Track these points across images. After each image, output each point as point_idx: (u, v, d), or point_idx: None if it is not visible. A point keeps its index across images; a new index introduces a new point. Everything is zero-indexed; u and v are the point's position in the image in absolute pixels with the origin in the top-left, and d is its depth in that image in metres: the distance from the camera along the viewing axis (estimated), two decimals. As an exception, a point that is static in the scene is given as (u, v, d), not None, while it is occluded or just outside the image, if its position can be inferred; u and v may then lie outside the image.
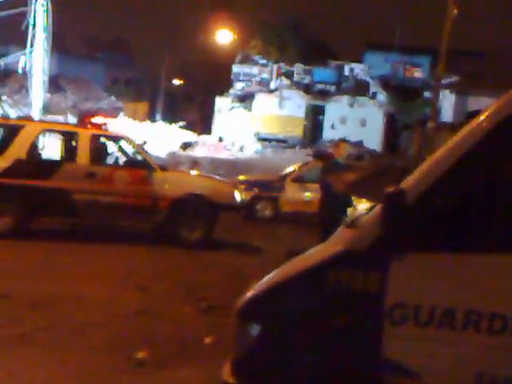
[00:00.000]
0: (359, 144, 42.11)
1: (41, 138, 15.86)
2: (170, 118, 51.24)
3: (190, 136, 44.00)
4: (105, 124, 15.88)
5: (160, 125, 45.75)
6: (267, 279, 4.67)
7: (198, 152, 38.90)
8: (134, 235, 14.76)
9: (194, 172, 19.63)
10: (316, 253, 4.68)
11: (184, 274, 11.68)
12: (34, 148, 14.60)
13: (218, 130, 47.33)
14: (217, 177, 17.52)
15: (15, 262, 11.31)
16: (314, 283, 4.41)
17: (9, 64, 43.53)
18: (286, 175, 21.26)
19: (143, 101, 55.64)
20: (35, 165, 14.17)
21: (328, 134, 45.82)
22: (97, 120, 16.66)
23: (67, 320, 8.34)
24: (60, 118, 38.92)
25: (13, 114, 39.54)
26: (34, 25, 40.79)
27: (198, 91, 63.09)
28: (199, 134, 46.30)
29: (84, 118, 20.73)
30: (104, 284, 10.32)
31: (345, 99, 47.94)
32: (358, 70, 49.52)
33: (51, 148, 17.44)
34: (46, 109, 40.86)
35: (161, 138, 39.62)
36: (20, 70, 42.78)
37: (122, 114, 44.62)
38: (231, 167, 32.10)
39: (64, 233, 14.57)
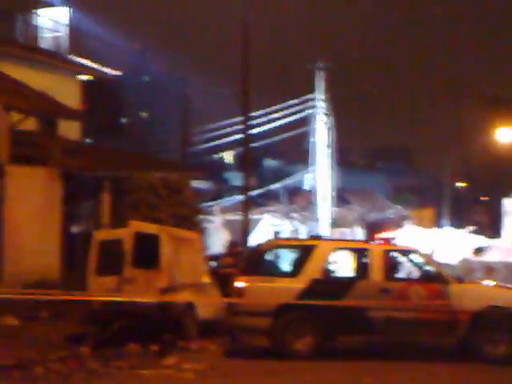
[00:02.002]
0: None
1: (333, 255, 16.13)
2: (457, 222, 50.30)
3: (479, 240, 42.66)
4: (393, 238, 15.90)
5: (448, 230, 44.92)
6: None
7: (491, 257, 37.47)
8: (435, 351, 14.32)
9: (490, 281, 18.85)
10: None
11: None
12: (328, 267, 14.91)
13: (509, 233, 45.42)
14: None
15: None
16: None
17: (296, 182, 45.49)
18: None
19: (428, 207, 55.17)
20: (330, 284, 14.41)
21: None
22: (385, 234, 16.72)
23: None
24: (347, 231, 39.68)
25: (302, 229, 40.95)
26: (317, 143, 42.60)
27: (482, 193, 61.59)
28: (489, 237, 44.79)
29: (372, 232, 20.95)
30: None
31: None
32: None
33: (343, 265, 17.68)
34: (334, 222, 41.98)
35: (449, 244, 38.77)
36: (306, 187, 44.63)
37: (408, 222, 44.53)
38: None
39: (363, 351, 14.50)
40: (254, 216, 35.33)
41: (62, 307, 17.30)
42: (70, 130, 24.72)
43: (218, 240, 34.99)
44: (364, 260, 14.71)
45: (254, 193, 38.06)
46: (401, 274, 15.46)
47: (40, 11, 28.07)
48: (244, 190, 31.58)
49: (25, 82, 22.46)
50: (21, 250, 19.28)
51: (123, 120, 59.28)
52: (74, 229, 22.76)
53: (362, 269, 14.66)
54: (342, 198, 45.42)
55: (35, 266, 19.37)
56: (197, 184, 29.96)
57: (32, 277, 18.56)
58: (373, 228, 37.72)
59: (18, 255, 19.21)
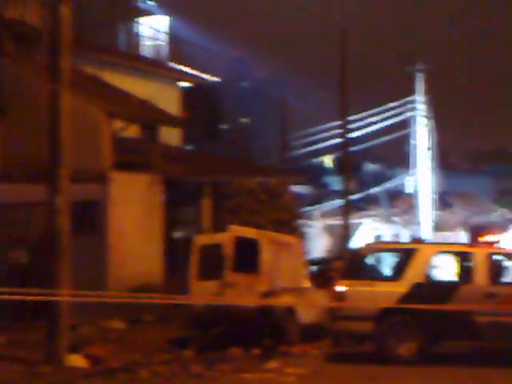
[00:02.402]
0: None
1: (435, 259, 15.84)
2: None
3: None
4: (498, 241, 15.54)
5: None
6: None
7: None
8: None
9: None
10: None
11: None
12: (430, 271, 14.66)
13: None
14: None
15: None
16: None
17: (397, 186, 44.97)
18: None
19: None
20: (433, 288, 14.16)
21: None
22: (489, 238, 16.34)
23: None
24: (450, 235, 38.95)
25: (404, 233, 40.44)
26: (417, 145, 42.03)
27: None
28: None
29: (475, 236, 20.51)
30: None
31: None
32: None
33: (445, 269, 17.35)
34: (436, 226, 41.29)
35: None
36: (407, 191, 44.07)
37: (513, 226, 43.37)
38: None
39: (469, 356, 14.18)
40: (354, 220, 35.06)
41: (166, 311, 17.62)
42: (171, 136, 25.13)
43: (318, 245, 34.93)
44: (467, 264, 14.42)
45: (354, 197, 37.74)
46: (506, 278, 14.99)
47: (141, 20, 28.67)
48: (343, 194, 31.37)
49: (127, 90, 22.96)
50: (124, 255, 19.67)
51: (223, 126, 59.90)
52: (176, 234, 23.10)
53: (466, 273, 14.38)
54: (444, 201, 44.59)
55: (138, 271, 19.75)
56: (296, 189, 29.97)
57: (135, 282, 18.92)
58: (476, 232, 36.82)
59: (122, 260, 19.60)
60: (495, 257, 14.52)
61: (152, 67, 27.20)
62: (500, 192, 57.58)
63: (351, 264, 15.54)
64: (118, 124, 20.41)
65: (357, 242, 33.25)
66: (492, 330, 13.40)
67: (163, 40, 28.85)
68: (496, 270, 14.32)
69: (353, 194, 36.33)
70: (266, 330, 15.54)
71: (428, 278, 14.38)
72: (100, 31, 26.56)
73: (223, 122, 58.73)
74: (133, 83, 24.30)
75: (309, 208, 38.40)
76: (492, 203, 49.12)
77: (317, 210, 40.56)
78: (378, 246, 16.09)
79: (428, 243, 17.74)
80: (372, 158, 58.93)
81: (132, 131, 21.64)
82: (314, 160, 48.65)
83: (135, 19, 28.38)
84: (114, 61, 25.25)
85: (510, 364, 13.26)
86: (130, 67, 25.80)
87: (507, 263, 15.23)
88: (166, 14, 29.44)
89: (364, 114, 40.91)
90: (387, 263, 16.77)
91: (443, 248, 16.89)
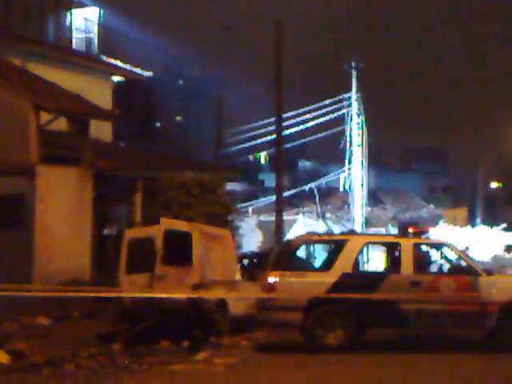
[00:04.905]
0: None
1: (364, 250, 16.04)
2: (491, 221, 49.86)
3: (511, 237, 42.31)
4: (425, 231, 15.76)
5: (481, 229, 44.57)
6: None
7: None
8: (466, 342, 14.17)
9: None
10: None
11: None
12: (359, 261, 14.82)
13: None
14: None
15: (348, 376, 11.29)
16: None
17: (330, 182, 45.35)
18: None
19: (462, 207, 54.72)
20: (362, 278, 14.34)
21: None
22: (418, 228, 16.55)
23: None
24: (381, 230, 39.43)
25: (336, 229, 40.79)
26: (351, 143, 42.45)
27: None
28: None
29: (404, 228, 20.73)
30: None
31: None
32: None
33: (374, 260, 17.59)
34: (367, 222, 41.78)
35: (482, 241, 38.52)
36: (341, 188, 44.45)
37: (441, 221, 44.21)
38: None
39: (396, 343, 14.35)
40: (288, 217, 35.21)
41: (94, 307, 17.33)
42: (102, 132, 24.77)
43: (251, 240, 34.97)
44: (394, 254, 14.61)
45: (288, 194, 37.93)
46: (431, 267, 15.26)
47: (72, 11, 28.06)
48: (277, 190, 31.47)
49: (56, 83, 22.54)
50: (52, 251, 19.29)
51: (158, 124, 59.51)
52: (107, 230, 22.82)
53: (393, 263, 14.59)
54: (376, 198, 45.15)
55: (66, 266, 19.39)
56: (231, 185, 29.92)
57: (63, 278, 18.53)
58: (406, 227, 37.22)
59: (49, 256, 19.21)
60: (421, 247, 14.74)
61: (83, 60, 26.74)
62: (429, 190, 58.72)
63: (282, 255, 15.55)
64: (46, 117, 20.03)
65: (290, 237, 33.34)
66: (417, 318, 13.60)
67: (95, 33, 28.40)
68: (421, 259, 14.54)
69: (286, 190, 36.53)
70: (196, 322, 15.46)
71: (357, 268, 14.53)
72: (29, 22, 26.02)
73: (158, 119, 58.38)
74: (63, 76, 23.87)
75: (243, 204, 38.41)
76: (421, 200, 50.01)
77: (251, 206, 40.65)
78: (309, 238, 16.14)
79: (357, 234, 17.87)
80: (307, 156, 59.32)
81: (61, 125, 21.28)
82: (249, 157, 48.73)
83: (66, 10, 27.83)
84: (43, 53, 24.73)
85: (434, 349, 13.51)
86: (60, 60, 25.29)
87: (432, 253, 15.51)
88: (98, 6, 28.95)
89: (299, 110, 41.16)
90: (317, 255, 16.89)
91: (372, 239, 17.10)
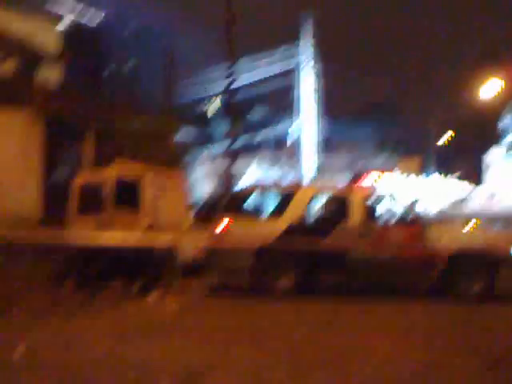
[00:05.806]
0: None
1: (314, 200, 16.06)
2: (444, 171, 50.58)
3: (464, 187, 42.95)
4: (375, 182, 15.82)
5: (434, 178, 45.15)
6: None
7: (470, 207, 37.84)
8: (412, 291, 14.38)
9: (468, 226, 18.86)
10: None
11: (465, 330, 11.10)
12: (309, 210, 14.87)
13: (491, 183, 45.83)
14: (493, 230, 16.74)
15: (300, 319, 11.53)
16: None
17: (283, 129, 45.38)
18: None
19: (415, 156, 55.39)
20: (310, 227, 14.40)
21: None
22: (368, 178, 16.60)
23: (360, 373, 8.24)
24: (333, 179, 39.67)
25: (289, 177, 40.95)
26: (304, 91, 42.38)
27: (467, 144, 61.83)
28: (473, 184, 45.13)
29: (355, 179, 20.81)
30: (385, 339, 10.08)
31: None
32: None
33: (324, 210, 17.63)
34: (320, 170, 41.99)
35: (434, 192, 39.06)
36: (294, 135, 44.52)
37: (394, 170, 44.59)
38: (508, 221, 30.57)
39: (342, 291, 14.55)
40: (239, 165, 35.11)
41: (42, 249, 17.11)
42: (51, 76, 24.34)
43: (203, 188, 34.94)
44: (343, 204, 14.63)
45: (241, 141, 37.82)
46: (379, 218, 15.35)
47: None
48: (229, 138, 31.34)
49: (2, 26, 22.02)
50: (-1, 196, 19.02)
51: (107, 72, 58.61)
52: (57, 174, 22.55)
53: (342, 213, 14.58)
54: (328, 147, 45.33)
55: (14, 212, 19.12)
56: (182, 133, 29.75)
57: (9, 222, 18.27)
58: (359, 176, 37.58)
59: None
60: (369, 198, 14.81)
61: (30, 3, 26.16)
62: (381, 141, 59.19)
63: (233, 202, 15.57)
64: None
65: (241, 186, 33.38)
66: (365, 267, 13.78)
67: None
68: (370, 210, 14.62)
69: (239, 137, 36.37)
70: (146, 266, 15.44)
71: (306, 217, 14.60)
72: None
73: (107, 67, 57.47)
74: (9, 19, 23.31)
75: (194, 152, 38.27)
76: (374, 150, 50.42)
77: (202, 153, 40.52)
78: (260, 186, 16.16)
79: (307, 184, 17.94)
80: (261, 103, 59.13)
81: (9, 68, 20.84)
82: (201, 105, 48.39)
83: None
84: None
85: (381, 297, 13.69)
86: (6, 2, 24.71)
87: (380, 203, 15.60)
88: None
89: (252, 57, 40.85)
90: (268, 203, 16.90)
91: (321, 189, 17.16)
